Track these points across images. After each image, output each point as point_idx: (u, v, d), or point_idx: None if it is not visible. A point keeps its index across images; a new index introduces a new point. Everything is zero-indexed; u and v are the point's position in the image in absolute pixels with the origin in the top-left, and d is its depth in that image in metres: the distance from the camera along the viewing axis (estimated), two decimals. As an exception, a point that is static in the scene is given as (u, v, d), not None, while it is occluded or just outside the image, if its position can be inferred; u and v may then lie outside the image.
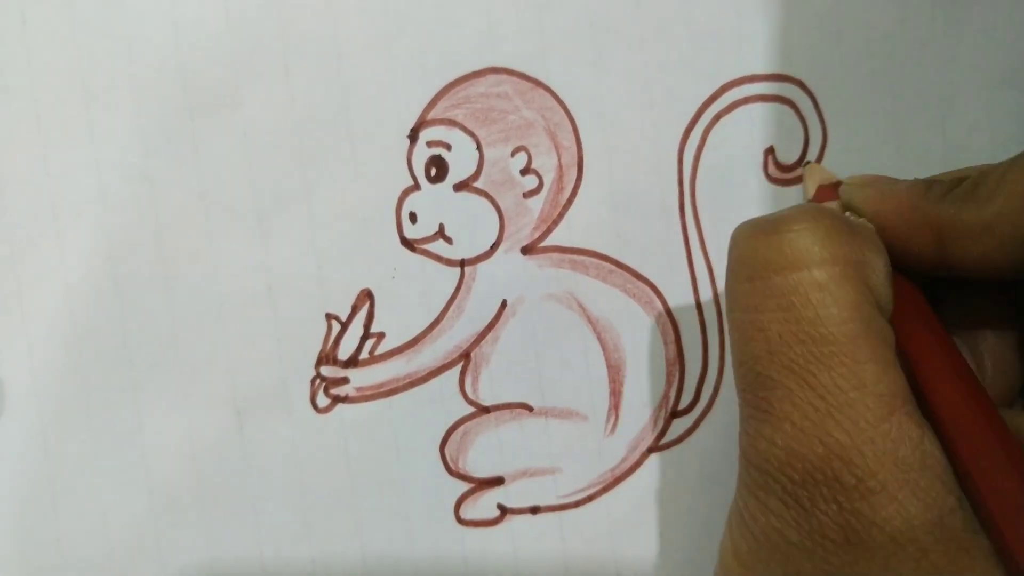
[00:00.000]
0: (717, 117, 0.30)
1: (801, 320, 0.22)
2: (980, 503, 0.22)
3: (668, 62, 0.30)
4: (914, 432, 0.22)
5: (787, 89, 0.30)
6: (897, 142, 0.31)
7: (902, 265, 0.25)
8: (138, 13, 0.29)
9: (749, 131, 0.30)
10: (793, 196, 0.31)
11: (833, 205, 0.28)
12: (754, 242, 0.23)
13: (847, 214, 0.27)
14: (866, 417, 0.22)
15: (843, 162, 0.30)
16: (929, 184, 0.25)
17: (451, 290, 0.30)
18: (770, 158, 0.31)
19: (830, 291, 0.22)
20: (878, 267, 0.24)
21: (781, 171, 0.31)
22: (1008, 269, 0.24)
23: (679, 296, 0.31)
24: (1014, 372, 0.26)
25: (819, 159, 0.31)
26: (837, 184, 0.28)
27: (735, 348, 0.24)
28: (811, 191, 0.29)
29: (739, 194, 0.31)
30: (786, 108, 0.30)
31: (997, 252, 0.23)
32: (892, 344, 0.23)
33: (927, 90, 0.30)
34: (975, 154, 0.31)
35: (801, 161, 0.31)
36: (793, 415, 0.22)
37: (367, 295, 0.30)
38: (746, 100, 0.30)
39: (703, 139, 0.30)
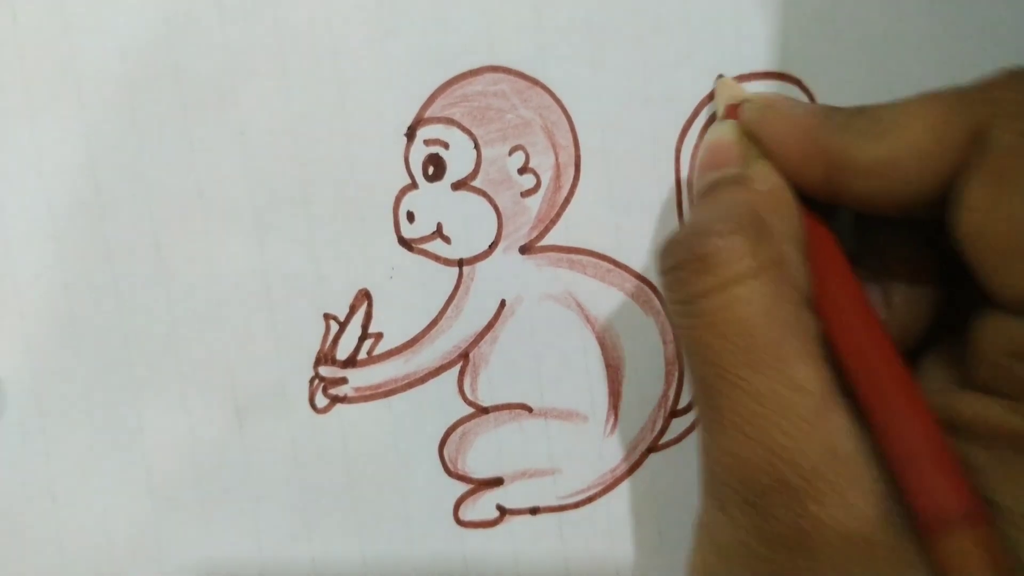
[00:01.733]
0: (715, 115, 0.30)
1: (730, 335, 0.23)
2: (887, 457, 0.22)
3: (666, 60, 0.30)
4: (851, 425, 0.22)
5: (784, 88, 0.30)
6: (901, 139, 0.30)
7: (793, 189, 0.26)
8: (132, 11, 0.29)
9: (750, 129, 0.30)
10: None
11: (728, 132, 0.28)
12: (675, 264, 0.24)
13: (752, 168, 0.26)
14: (804, 417, 0.22)
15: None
16: (829, 112, 0.25)
17: (449, 290, 0.30)
18: (771, 156, 0.30)
19: (753, 304, 0.23)
20: (795, 257, 0.24)
21: (782, 169, 0.30)
22: (892, 209, 0.24)
23: (678, 295, 0.30)
24: (918, 315, 0.26)
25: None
26: (742, 103, 0.28)
27: (685, 361, 0.25)
28: (721, 109, 0.29)
29: (740, 192, 0.30)
30: (788, 106, 0.30)
31: (881, 193, 0.24)
32: (817, 334, 0.24)
33: (924, 88, 0.30)
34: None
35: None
36: (740, 424, 0.23)
37: (365, 295, 0.30)
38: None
39: (700, 137, 0.30)
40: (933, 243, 0.26)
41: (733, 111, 0.28)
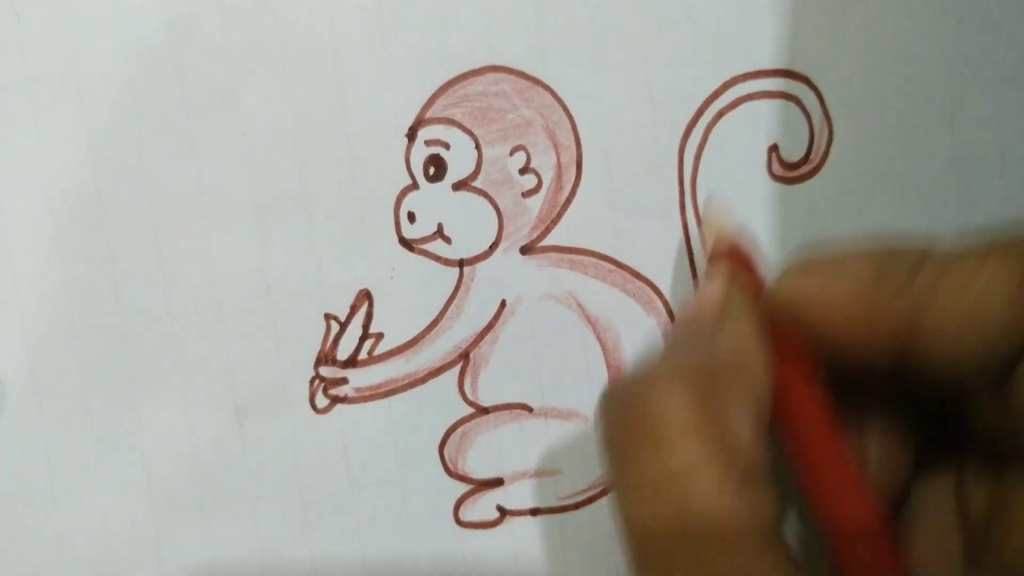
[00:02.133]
0: (720, 114, 0.30)
1: (669, 502, 0.21)
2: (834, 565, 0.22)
3: (670, 58, 0.30)
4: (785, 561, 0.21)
5: (792, 86, 0.30)
6: (904, 140, 0.30)
7: (859, 369, 0.23)
8: (134, 12, 0.29)
9: (753, 128, 0.30)
10: (798, 195, 0.30)
11: (720, 287, 0.25)
12: (614, 419, 0.23)
13: (726, 324, 0.24)
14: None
15: (849, 160, 0.30)
16: (883, 270, 0.22)
17: (450, 290, 0.30)
18: (774, 156, 0.30)
19: (693, 471, 0.21)
20: (745, 424, 0.22)
21: (785, 169, 0.30)
22: (989, 366, 0.21)
23: (679, 296, 0.30)
24: (899, 459, 0.25)
25: (824, 157, 0.30)
26: (731, 250, 0.27)
27: (618, 516, 0.22)
28: (707, 247, 0.28)
29: (742, 192, 0.30)
30: (791, 105, 0.30)
31: (974, 353, 0.20)
32: (767, 513, 0.21)
33: (935, 87, 0.30)
34: (984, 151, 0.30)
35: (807, 159, 0.30)
36: None
37: (365, 295, 0.30)
38: (750, 97, 0.30)
39: (705, 137, 0.30)
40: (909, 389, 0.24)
41: (717, 261, 0.27)
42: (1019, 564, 0.21)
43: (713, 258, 0.27)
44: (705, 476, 0.21)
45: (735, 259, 0.27)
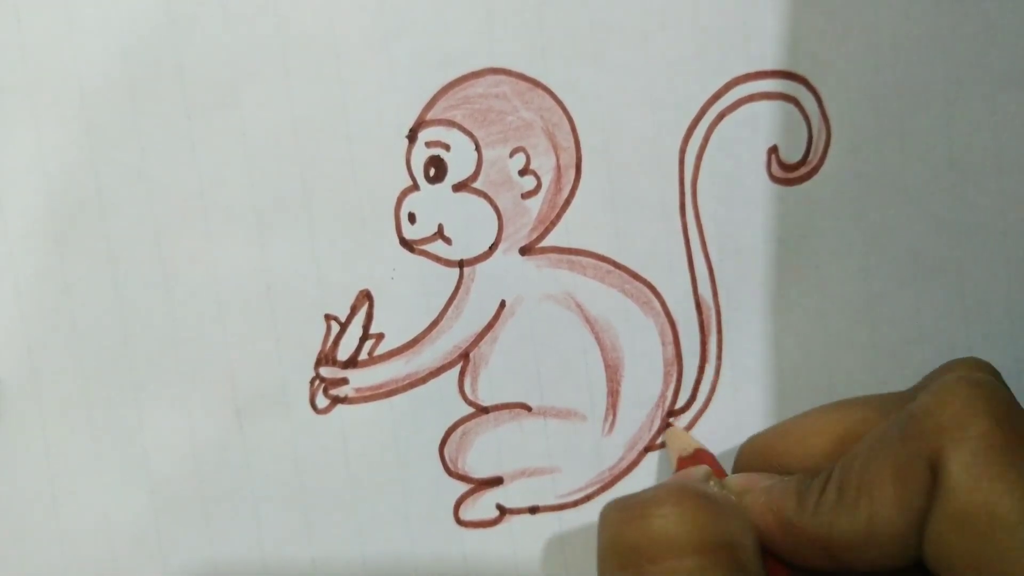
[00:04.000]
0: (721, 115, 0.30)
1: None
2: None
3: (671, 59, 0.30)
4: None
5: (791, 87, 0.30)
6: (902, 141, 0.30)
7: (803, 570, 0.25)
8: (135, 12, 0.29)
9: (753, 130, 0.30)
10: (796, 196, 0.30)
11: (699, 470, 0.27)
12: (622, 528, 0.23)
13: (711, 483, 0.26)
14: None
15: (847, 162, 0.30)
16: (799, 492, 0.24)
17: (450, 291, 0.30)
18: (773, 157, 0.30)
19: None
20: (747, 545, 0.24)
21: (785, 171, 0.30)
22: (896, 565, 0.23)
23: (678, 296, 0.30)
24: None
25: (822, 158, 0.30)
26: (697, 453, 0.29)
27: None
28: (673, 462, 0.29)
29: (741, 194, 0.30)
30: (790, 106, 0.30)
31: (881, 557, 0.23)
32: None
33: (932, 89, 0.30)
34: (981, 153, 0.30)
35: (805, 160, 0.30)
36: None
37: (366, 296, 0.30)
38: (750, 98, 0.30)
39: (706, 138, 0.30)
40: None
41: (685, 464, 0.28)
42: None
43: (681, 461, 0.29)
44: None
45: (701, 459, 0.28)
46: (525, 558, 0.31)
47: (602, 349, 0.31)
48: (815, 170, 0.30)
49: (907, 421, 0.23)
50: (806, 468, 0.26)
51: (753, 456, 0.28)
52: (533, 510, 0.31)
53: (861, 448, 0.23)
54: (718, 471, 0.28)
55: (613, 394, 0.31)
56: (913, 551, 0.22)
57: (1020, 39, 0.30)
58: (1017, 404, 0.23)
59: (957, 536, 0.21)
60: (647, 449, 0.31)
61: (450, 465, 0.31)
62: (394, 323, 0.30)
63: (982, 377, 0.23)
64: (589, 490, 0.31)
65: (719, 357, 0.31)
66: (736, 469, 0.28)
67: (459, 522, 0.31)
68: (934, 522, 0.22)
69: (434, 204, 0.30)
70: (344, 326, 0.30)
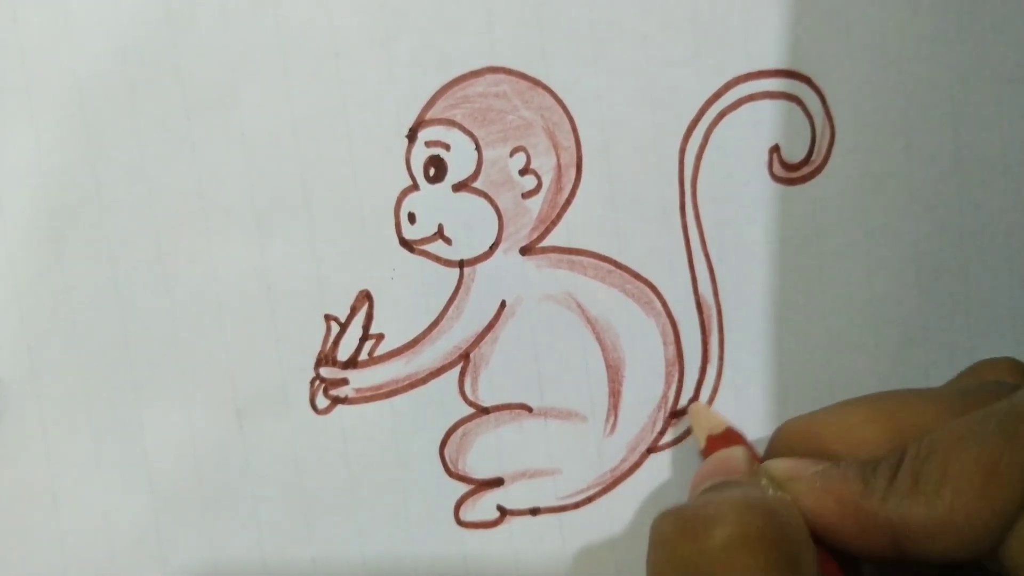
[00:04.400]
0: (721, 115, 0.30)
1: None
2: None
3: (671, 58, 0.30)
4: None
5: (794, 86, 0.30)
6: (906, 140, 0.30)
7: (859, 558, 0.25)
8: (133, 12, 0.29)
9: (754, 129, 0.30)
10: (799, 196, 0.30)
11: (737, 451, 0.27)
12: (682, 544, 0.23)
13: (763, 481, 0.25)
14: None
15: (851, 161, 0.30)
16: (866, 477, 0.24)
17: (450, 291, 0.30)
18: (775, 156, 0.30)
19: None
20: (809, 559, 0.23)
21: (787, 170, 0.30)
22: (967, 557, 0.23)
23: (679, 296, 0.30)
24: None
25: (826, 157, 0.30)
26: (727, 432, 0.28)
27: None
28: (701, 440, 0.29)
29: (742, 193, 0.30)
30: (793, 105, 0.30)
31: (955, 547, 0.22)
32: None
33: (936, 88, 0.30)
34: (985, 152, 0.30)
35: (808, 159, 0.30)
36: None
37: (366, 296, 0.30)
38: (752, 97, 0.30)
39: (706, 137, 0.30)
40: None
41: (716, 444, 0.28)
42: None
43: (711, 441, 0.29)
44: None
45: (733, 439, 0.28)
46: (526, 559, 0.31)
47: (603, 349, 0.30)
48: (818, 170, 0.30)
49: (1011, 418, 0.22)
50: (855, 456, 0.25)
51: (793, 441, 0.27)
52: (534, 511, 0.31)
53: (940, 438, 0.23)
54: (752, 454, 0.28)
55: (614, 395, 0.31)
56: (990, 546, 0.22)
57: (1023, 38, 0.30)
58: None
59: None
60: (649, 450, 0.31)
61: (450, 466, 0.30)
62: (394, 323, 0.30)
63: None
64: (590, 491, 0.31)
65: (721, 357, 0.30)
66: (772, 454, 0.28)
67: (459, 523, 0.31)
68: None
69: (434, 204, 0.30)
70: (344, 326, 0.30)
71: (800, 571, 0.23)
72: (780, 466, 0.26)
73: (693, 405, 0.30)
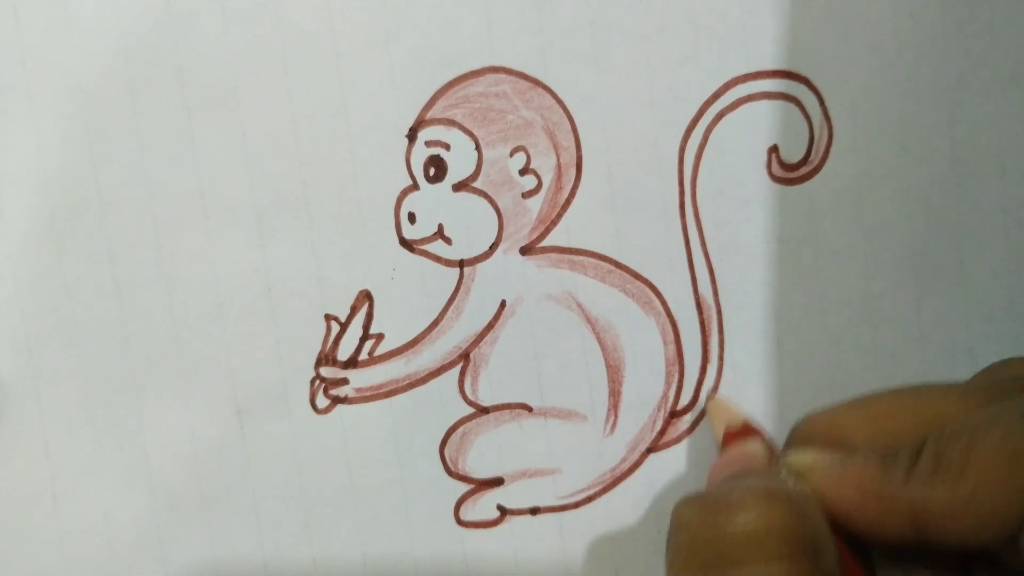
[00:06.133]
0: (720, 115, 0.30)
1: None
2: None
3: (670, 59, 0.30)
4: None
5: (792, 87, 0.30)
6: (904, 141, 0.30)
7: (878, 545, 0.25)
8: (134, 12, 0.29)
9: (753, 129, 0.30)
10: (797, 196, 0.30)
11: (756, 445, 0.27)
12: (704, 529, 0.23)
13: (783, 473, 0.26)
14: None
15: (849, 161, 0.30)
16: (886, 463, 0.24)
17: (450, 291, 0.30)
18: (774, 157, 0.30)
19: None
20: (829, 549, 0.23)
21: (785, 170, 0.30)
22: (986, 543, 0.23)
23: (679, 296, 0.30)
24: None
25: (824, 158, 0.30)
26: (745, 426, 0.29)
27: None
28: (719, 433, 0.29)
29: (741, 193, 0.30)
30: (791, 106, 0.30)
31: (976, 532, 0.22)
32: None
33: (934, 88, 0.30)
34: (983, 152, 0.30)
35: (807, 159, 0.30)
36: None
37: (366, 296, 0.30)
38: (750, 98, 0.30)
39: (705, 137, 0.30)
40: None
41: (734, 437, 0.28)
42: None
43: (728, 435, 0.29)
44: None
45: (751, 433, 0.28)
46: (526, 559, 0.31)
47: (603, 349, 0.30)
48: (816, 170, 0.30)
49: (1010, 412, 0.22)
50: (876, 448, 0.25)
51: (814, 434, 0.27)
52: (534, 511, 0.31)
53: (964, 425, 0.23)
54: (770, 447, 0.28)
55: (614, 394, 0.31)
56: (1013, 531, 0.22)
57: (1022, 38, 0.30)
58: None
59: None
60: (649, 450, 0.31)
61: (450, 465, 0.30)
62: (394, 323, 0.30)
63: None
64: (590, 491, 0.31)
65: (720, 357, 0.30)
66: (792, 447, 0.27)
67: (459, 523, 0.31)
68: None
69: (434, 204, 0.30)
70: (344, 326, 0.30)
71: (820, 560, 0.23)
72: (801, 457, 0.26)
73: (711, 399, 0.30)
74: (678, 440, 0.31)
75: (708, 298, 0.30)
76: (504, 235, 0.30)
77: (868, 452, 0.25)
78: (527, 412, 0.31)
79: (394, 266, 0.30)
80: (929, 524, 0.23)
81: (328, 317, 0.30)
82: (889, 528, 0.24)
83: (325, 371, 0.30)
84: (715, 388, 0.31)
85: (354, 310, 0.30)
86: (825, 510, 0.24)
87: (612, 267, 0.30)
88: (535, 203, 0.30)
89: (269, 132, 0.29)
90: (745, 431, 0.29)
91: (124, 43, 0.29)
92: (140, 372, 0.30)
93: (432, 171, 0.30)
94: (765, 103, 0.30)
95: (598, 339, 0.30)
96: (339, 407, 0.30)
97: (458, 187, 0.30)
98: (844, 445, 0.26)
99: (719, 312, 0.30)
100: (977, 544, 0.23)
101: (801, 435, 0.27)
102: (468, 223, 0.30)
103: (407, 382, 0.30)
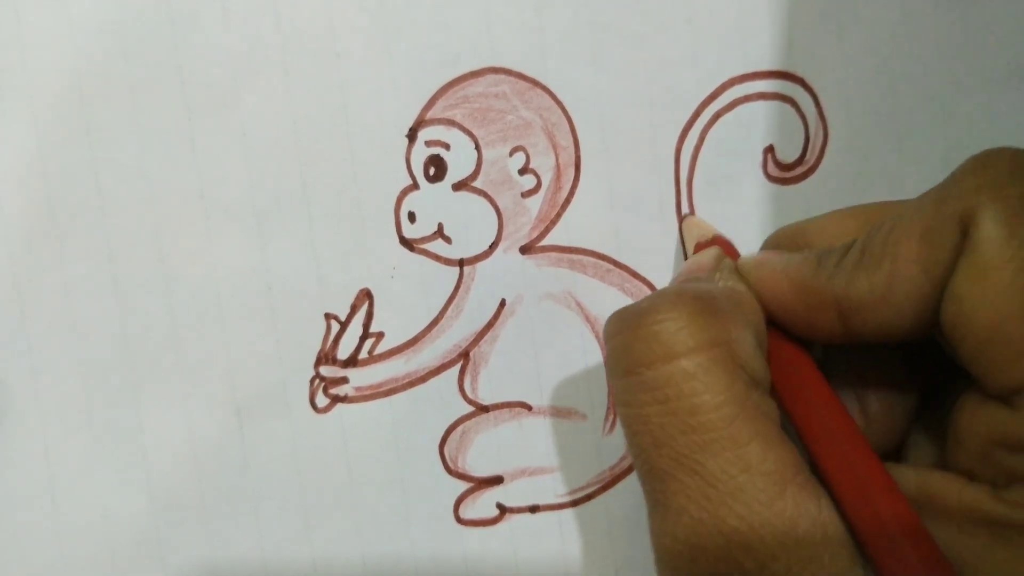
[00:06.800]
0: (717, 115, 0.30)
1: (678, 411, 0.22)
2: (870, 561, 0.22)
3: (668, 60, 0.30)
4: (811, 505, 0.22)
5: (788, 87, 0.30)
6: (899, 140, 0.30)
7: (811, 340, 0.25)
8: (135, 12, 0.29)
9: (749, 129, 0.30)
10: (793, 195, 0.30)
11: (709, 252, 0.27)
12: (622, 337, 0.23)
13: (722, 266, 0.26)
14: (759, 499, 0.21)
15: (845, 161, 0.30)
16: (820, 257, 0.24)
17: (450, 290, 0.30)
18: (770, 157, 0.30)
19: (700, 378, 0.22)
20: (746, 341, 0.23)
21: (781, 170, 0.31)
22: (910, 332, 0.23)
23: (678, 296, 0.30)
24: (897, 418, 0.26)
25: (819, 157, 0.30)
26: (714, 238, 0.28)
27: (627, 442, 0.24)
28: (690, 248, 0.29)
29: (737, 193, 0.30)
30: (787, 106, 0.30)
31: (896, 319, 0.22)
32: (774, 416, 0.23)
33: (929, 88, 0.30)
34: (977, 151, 0.30)
35: (802, 159, 0.30)
36: (689, 507, 0.22)
37: (366, 295, 0.30)
38: (746, 98, 0.30)
39: (701, 138, 0.30)
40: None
41: (701, 249, 0.28)
42: (976, 468, 0.22)
43: (697, 248, 0.29)
44: (712, 381, 0.22)
45: (719, 244, 0.28)
46: (525, 557, 0.31)
47: (602, 348, 0.31)
48: (812, 169, 0.31)
49: (943, 185, 0.22)
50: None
51: (781, 241, 0.27)
52: (533, 509, 0.31)
53: (889, 215, 0.23)
54: (732, 253, 0.28)
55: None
56: (929, 316, 0.22)
57: (1016, 39, 0.30)
58: None
59: (980, 290, 0.21)
60: (646, 448, 0.31)
61: (450, 464, 0.31)
62: (394, 322, 0.30)
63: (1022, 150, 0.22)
64: (589, 489, 0.31)
65: (718, 355, 0.31)
66: None
67: (459, 521, 0.31)
68: (958, 278, 0.21)
69: (434, 203, 0.30)
70: (344, 325, 0.30)
71: (735, 354, 0.23)
72: (750, 258, 0.26)
73: (687, 219, 0.30)
74: (676, 438, 0.31)
75: (706, 296, 0.31)
76: (504, 234, 0.30)
77: (811, 250, 0.25)
78: (527, 411, 0.31)
79: (394, 265, 0.30)
80: (852, 315, 0.23)
81: (328, 316, 0.30)
82: (818, 322, 0.24)
83: (325, 370, 0.30)
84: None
85: (354, 309, 0.30)
86: (763, 307, 0.25)
87: (611, 266, 0.30)
88: (534, 202, 0.30)
89: (269, 132, 0.29)
90: (712, 243, 0.28)
91: (124, 43, 0.29)
92: (139, 372, 0.30)
93: (432, 171, 0.30)
94: (761, 103, 0.30)
95: (597, 338, 0.31)
96: (339, 406, 0.30)
97: (458, 187, 0.30)
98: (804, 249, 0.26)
99: (717, 310, 0.31)
100: (900, 333, 0.23)
101: (768, 242, 0.28)
102: (468, 222, 0.30)
103: (407, 381, 0.30)
